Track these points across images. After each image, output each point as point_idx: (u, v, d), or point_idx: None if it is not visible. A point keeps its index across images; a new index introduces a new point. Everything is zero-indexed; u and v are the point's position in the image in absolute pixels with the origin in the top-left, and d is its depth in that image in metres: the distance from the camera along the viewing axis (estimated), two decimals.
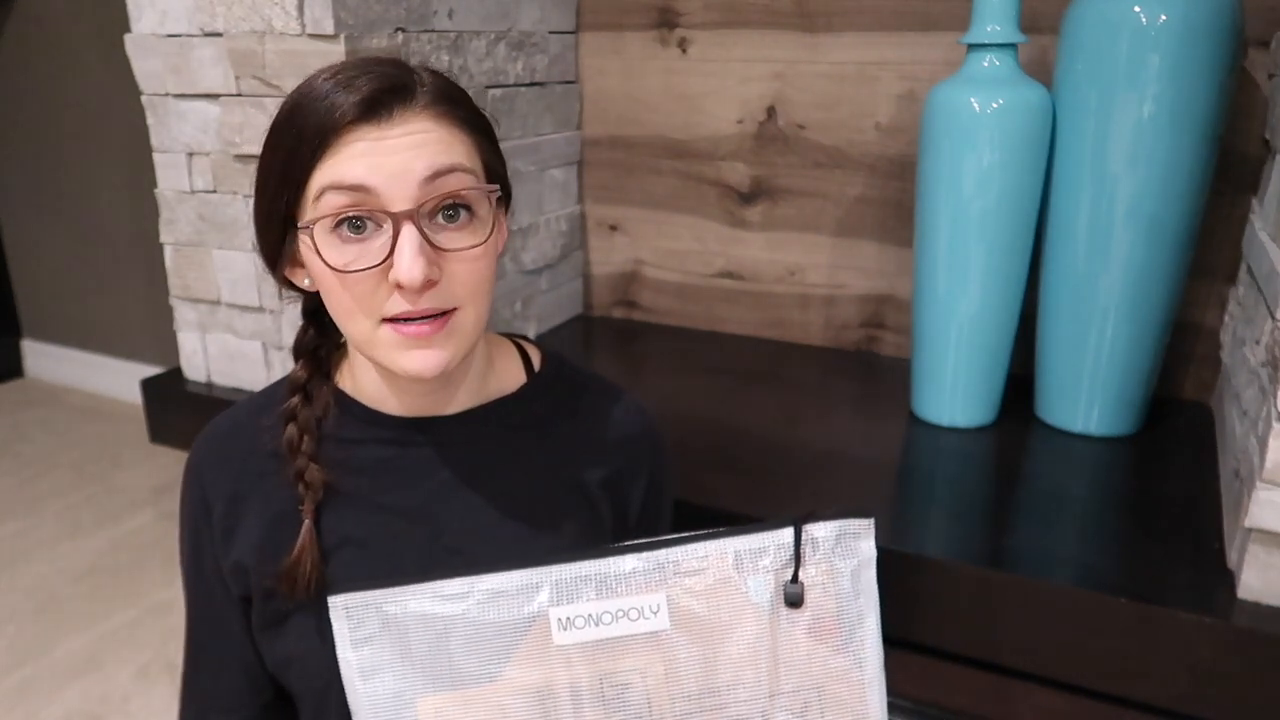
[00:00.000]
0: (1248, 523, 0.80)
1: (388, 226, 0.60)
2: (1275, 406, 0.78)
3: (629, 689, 0.62)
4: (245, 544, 0.71)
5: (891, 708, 0.94)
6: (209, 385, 1.34)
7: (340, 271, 0.61)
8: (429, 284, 0.60)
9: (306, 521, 0.68)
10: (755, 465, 1.10)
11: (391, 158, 0.59)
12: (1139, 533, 0.93)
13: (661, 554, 0.63)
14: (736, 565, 0.63)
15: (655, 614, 0.62)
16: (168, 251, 1.30)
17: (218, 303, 1.28)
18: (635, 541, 0.64)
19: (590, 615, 0.62)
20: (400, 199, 0.60)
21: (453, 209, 0.62)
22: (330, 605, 0.63)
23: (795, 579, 0.63)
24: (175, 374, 1.37)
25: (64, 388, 2.98)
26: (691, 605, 0.63)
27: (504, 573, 0.62)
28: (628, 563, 0.62)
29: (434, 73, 0.65)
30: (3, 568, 1.99)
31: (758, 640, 0.63)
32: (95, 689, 1.63)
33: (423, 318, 0.62)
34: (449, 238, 0.62)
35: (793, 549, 0.63)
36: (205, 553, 0.73)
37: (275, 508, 0.70)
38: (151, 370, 2.52)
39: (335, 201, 0.60)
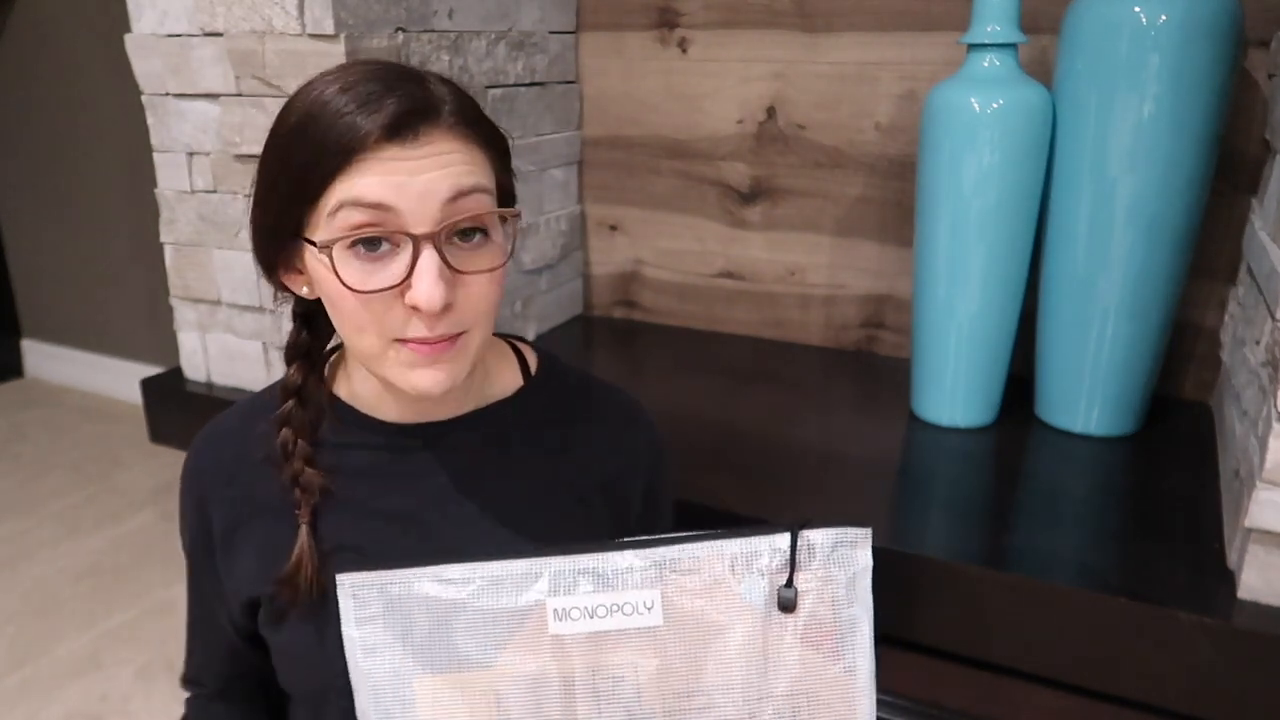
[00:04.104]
0: (1248, 523, 0.80)
1: (406, 247, 0.59)
2: (1275, 406, 0.78)
3: (621, 682, 0.63)
4: (247, 550, 0.71)
5: (892, 708, 0.95)
6: (209, 385, 1.34)
7: (358, 292, 0.60)
8: (446, 308, 0.60)
9: (303, 527, 0.68)
10: (755, 465, 1.10)
11: (415, 178, 0.59)
12: (1139, 533, 0.93)
13: (659, 552, 0.63)
14: (732, 567, 0.64)
15: (649, 610, 0.63)
16: (168, 251, 1.30)
17: (218, 303, 1.28)
18: (634, 539, 0.65)
19: (586, 608, 0.63)
20: (422, 220, 0.59)
21: (469, 230, 0.62)
22: (338, 583, 0.64)
23: (790, 583, 0.63)
24: (175, 374, 1.37)
25: (64, 388, 2.98)
26: (686, 604, 0.63)
27: (505, 561, 0.63)
28: (625, 558, 0.63)
29: (448, 84, 0.64)
30: (3, 568, 1.99)
31: (749, 642, 0.63)
32: (95, 689, 1.63)
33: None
34: (466, 259, 0.61)
35: (788, 554, 0.63)
36: (201, 550, 0.74)
37: (272, 513, 0.70)
38: (151, 370, 2.52)
39: (353, 219, 0.59)
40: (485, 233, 0.63)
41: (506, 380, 0.75)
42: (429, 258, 0.59)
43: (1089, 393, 1.14)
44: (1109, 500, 1.02)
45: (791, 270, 1.49)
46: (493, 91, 1.33)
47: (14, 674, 1.66)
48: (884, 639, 0.91)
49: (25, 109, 2.73)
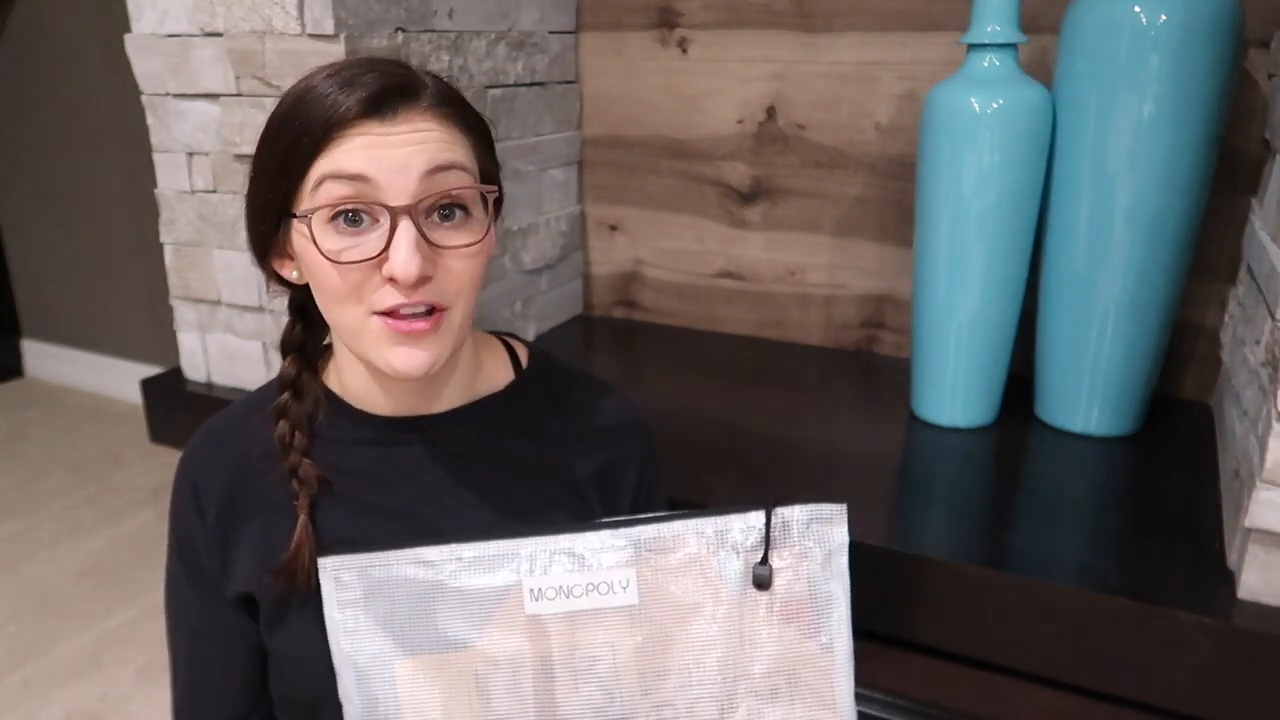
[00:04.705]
0: (1248, 523, 0.80)
1: (385, 220, 0.61)
2: (1275, 406, 0.78)
3: (598, 662, 0.63)
4: (244, 547, 0.71)
5: (892, 707, 0.95)
6: (209, 385, 1.34)
7: (335, 261, 0.61)
8: (423, 280, 0.61)
9: (302, 517, 0.68)
10: (755, 465, 1.10)
11: (393, 152, 0.60)
12: (1139, 533, 0.93)
13: (634, 531, 0.64)
14: (707, 545, 0.64)
15: (625, 589, 0.64)
16: (168, 251, 1.30)
17: (218, 303, 1.28)
18: (609, 519, 0.65)
19: (562, 587, 0.63)
20: (399, 193, 0.60)
21: (449, 208, 0.63)
22: (320, 567, 0.64)
23: (764, 561, 0.64)
24: (175, 374, 1.37)
25: (64, 388, 2.98)
26: (661, 582, 0.64)
27: (482, 542, 0.64)
28: (601, 538, 0.64)
29: (435, 76, 0.66)
30: (3, 568, 1.99)
31: (725, 620, 0.64)
32: (95, 689, 1.63)
33: (413, 314, 0.62)
34: (444, 235, 0.62)
35: (763, 531, 0.63)
36: (198, 557, 0.73)
37: (270, 508, 0.70)
38: (151, 370, 2.52)
39: (334, 191, 0.60)
40: (466, 211, 0.64)
41: (497, 374, 0.76)
42: (406, 229, 0.60)
43: (1089, 393, 1.14)
44: (1109, 500, 1.02)
45: (791, 270, 1.49)
46: (493, 91, 1.33)
47: (14, 674, 1.66)
48: (884, 639, 0.91)
49: (25, 109, 2.73)
